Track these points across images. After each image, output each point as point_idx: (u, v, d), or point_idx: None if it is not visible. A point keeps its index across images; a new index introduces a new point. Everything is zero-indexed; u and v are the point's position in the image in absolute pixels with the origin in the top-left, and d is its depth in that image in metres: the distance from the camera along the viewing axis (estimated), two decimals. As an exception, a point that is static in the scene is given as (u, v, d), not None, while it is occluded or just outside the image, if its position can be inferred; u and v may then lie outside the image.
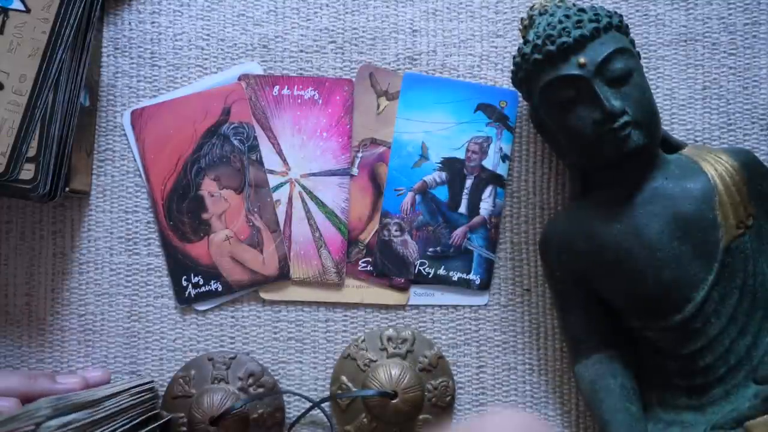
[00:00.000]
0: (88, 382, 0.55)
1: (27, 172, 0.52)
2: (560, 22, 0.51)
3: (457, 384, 0.59)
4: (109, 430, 0.49)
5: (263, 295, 0.60)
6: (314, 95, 0.60)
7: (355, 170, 0.60)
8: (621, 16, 0.53)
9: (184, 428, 0.56)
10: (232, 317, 0.60)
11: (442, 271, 0.60)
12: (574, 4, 0.53)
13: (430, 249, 0.60)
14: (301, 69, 0.61)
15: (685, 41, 0.61)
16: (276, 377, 0.59)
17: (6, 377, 0.52)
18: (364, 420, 0.57)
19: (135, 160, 0.60)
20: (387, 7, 0.61)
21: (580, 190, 0.58)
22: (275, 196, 0.60)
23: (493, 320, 0.60)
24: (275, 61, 0.61)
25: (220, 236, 0.59)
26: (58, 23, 0.53)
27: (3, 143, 0.52)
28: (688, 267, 0.51)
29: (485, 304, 0.60)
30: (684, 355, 0.52)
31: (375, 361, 0.58)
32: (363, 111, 0.61)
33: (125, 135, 0.60)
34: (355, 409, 0.58)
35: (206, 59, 0.61)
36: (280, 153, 0.60)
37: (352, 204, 0.60)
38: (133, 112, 0.60)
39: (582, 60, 0.50)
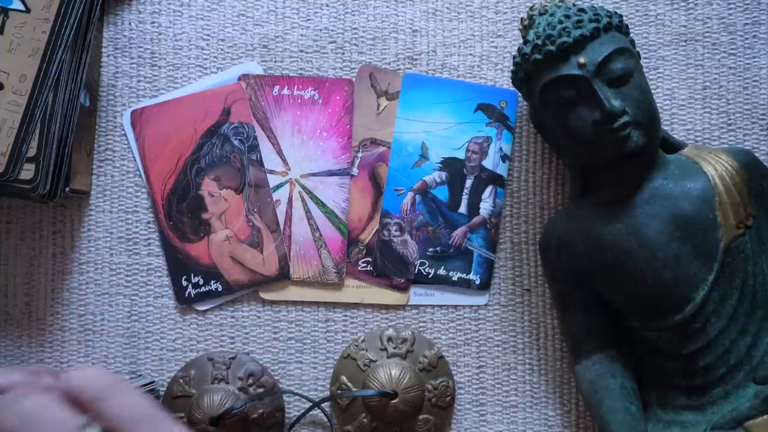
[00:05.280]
0: None
1: (27, 172, 0.52)
2: (560, 22, 0.51)
3: (457, 384, 0.59)
4: None
5: (263, 295, 0.60)
6: (314, 95, 0.60)
7: (355, 170, 0.60)
8: (621, 16, 0.53)
9: (184, 428, 0.56)
10: (232, 317, 0.60)
11: (442, 271, 0.60)
12: (574, 4, 0.53)
13: (430, 249, 0.60)
14: (301, 69, 0.61)
15: (685, 41, 0.61)
16: (276, 377, 0.59)
17: (8, 373, 0.51)
18: (364, 420, 0.57)
19: (135, 160, 0.60)
20: (387, 7, 0.61)
21: (580, 190, 0.58)
22: (275, 196, 0.60)
23: (493, 320, 0.60)
24: (275, 61, 0.61)
25: (220, 236, 0.59)
26: (58, 23, 0.53)
27: (3, 143, 0.52)
28: (688, 267, 0.51)
29: (485, 304, 0.60)
30: (684, 355, 0.52)
31: (375, 361, 0.58)
32: (363, 111, 0.61)
33: (125, 135, 0.60)
34: (355, 409, 0.58)
35: (206, 59, 0.61)
36: (280, 153, 0.60)
37: (352, 204, 0.60)
38: (133, 112, 0.60)
39: (582, 60, 0.50)
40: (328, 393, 0.59)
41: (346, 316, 0.60)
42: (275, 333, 0.60)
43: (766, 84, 0.61)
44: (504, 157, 0.60)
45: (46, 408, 0.33)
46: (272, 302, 0.60)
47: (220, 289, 0.59)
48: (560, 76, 0.51)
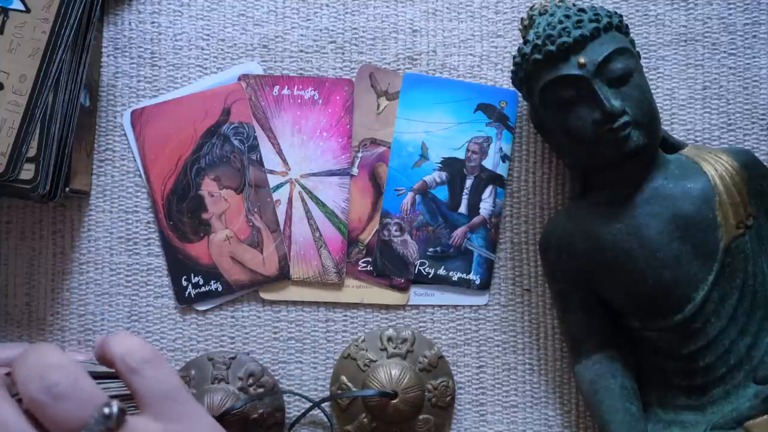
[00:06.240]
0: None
1: (27, 172, 0.52)
2: (560, 22, 0.51)
3: (457, 384, 0.59)
4: None
5: (263, 295, 0.60)
6: (314, 95, 0.60)
7: (355, 170, 0.60)
8: (621, 16, 0.53)
9: (184, 428, 0.56)
10: (232, 317, 0.60)
11: (442, 271, 0.60)
12: (574, 4, 0.53)
13: (430, 249, 0.60)
14: (301, 69, 0.61)
15: (685, 41, 0.61)
16: (276, 377, 0.59)
17: (8, 349, 0.51)
18: (364, 420, 0.57)
19: (135, 160, 0.60)
20: (387, 7, 0.61)
21: (580, 190, 0.58)
22: (275, 196, 0.60)
23: (493, 320, 0.60)
24: (275, 61, 0.61)
25: (220, 236, 0.59)
26: (58, 23, 0.53)
27: (3, 143, 0.52)
28: (688, 267, 0.51)
29: (485, 304, 0.60)
30: (684, 355, 0.52)
31: (375, 361, 0.58)
32: (363, 111, 0.61)
33: (125, 135, 0.60)
34: (355, 409, 0.58)
35: (206, 59, 0.61)
36: (280, 153, 0.60)
37: (352, 204, 0.60)
38: (133, 112, 0.60)
39: (582, 60, 0.50)
40: (328, 393, 0.59)
41: (346, 316, 0.60)
42: (275, 333, 0.60)
43: (766, 84, 0.61)
44: (504, 157, 0.60)
45: (75, 381, 0.33)
46: (272, 302, 0.60)
47: (220, 289, 0.59)
48: (560, 76, 0.51)
